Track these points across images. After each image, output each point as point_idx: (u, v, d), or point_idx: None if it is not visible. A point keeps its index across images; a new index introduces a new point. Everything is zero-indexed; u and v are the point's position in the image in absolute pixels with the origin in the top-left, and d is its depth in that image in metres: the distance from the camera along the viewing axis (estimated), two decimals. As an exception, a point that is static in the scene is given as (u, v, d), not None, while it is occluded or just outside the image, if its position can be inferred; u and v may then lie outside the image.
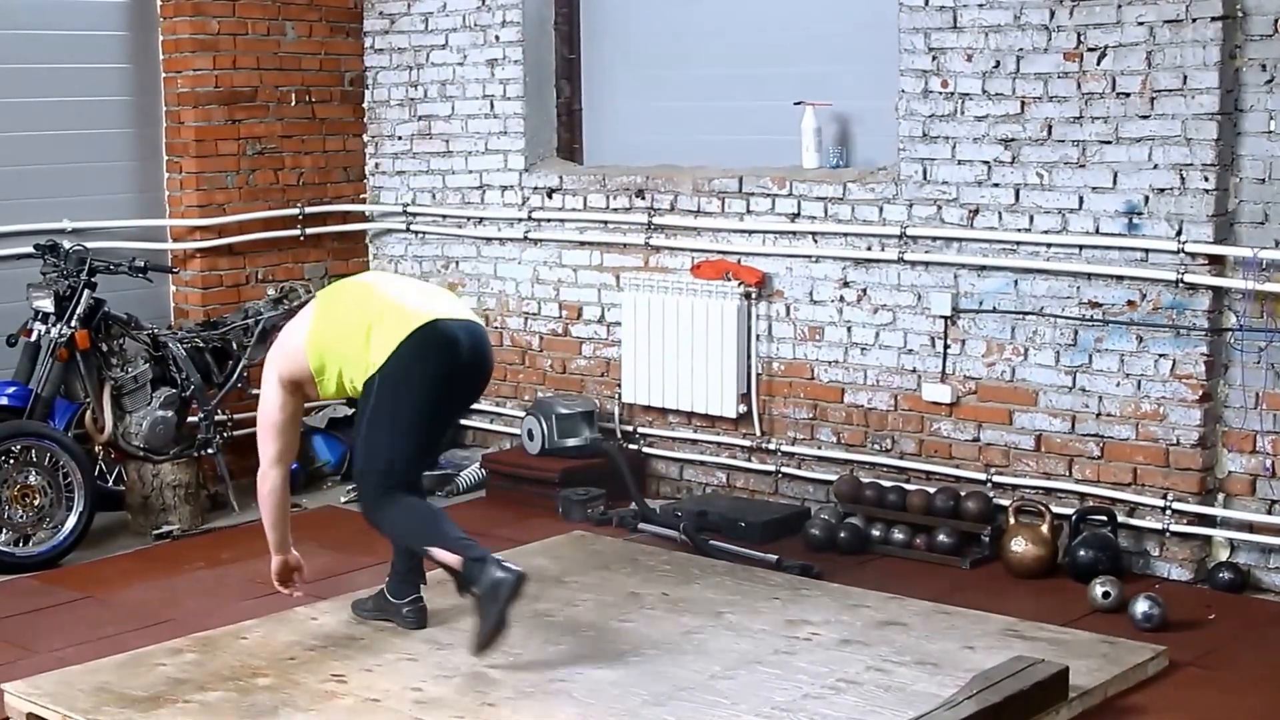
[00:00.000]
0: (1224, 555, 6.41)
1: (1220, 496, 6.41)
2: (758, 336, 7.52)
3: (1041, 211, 6.65)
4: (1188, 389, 6.35)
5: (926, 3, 6.84)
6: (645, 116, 8.24)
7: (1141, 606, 5.81)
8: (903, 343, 7.09)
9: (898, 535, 6.88)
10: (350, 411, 7.60)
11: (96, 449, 7.49)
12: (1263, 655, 5.57)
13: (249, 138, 8.45)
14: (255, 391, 7.10)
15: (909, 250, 7.00)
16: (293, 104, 8.64)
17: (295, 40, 8.61)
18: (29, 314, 7.26)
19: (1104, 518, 6.49)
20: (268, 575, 5.80)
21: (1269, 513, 6.28)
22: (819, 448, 7.40)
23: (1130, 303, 6.45)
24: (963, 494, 6.84)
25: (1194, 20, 6.14)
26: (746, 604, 5.92)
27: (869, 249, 7.15)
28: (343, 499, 7.75)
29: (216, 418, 7.71)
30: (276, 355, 5.62)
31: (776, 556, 6.61)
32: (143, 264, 7.54)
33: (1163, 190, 6.31)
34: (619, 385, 7.99)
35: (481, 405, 8.40)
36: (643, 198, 7.89)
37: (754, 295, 7.48)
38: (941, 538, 6.76)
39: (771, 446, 7.54)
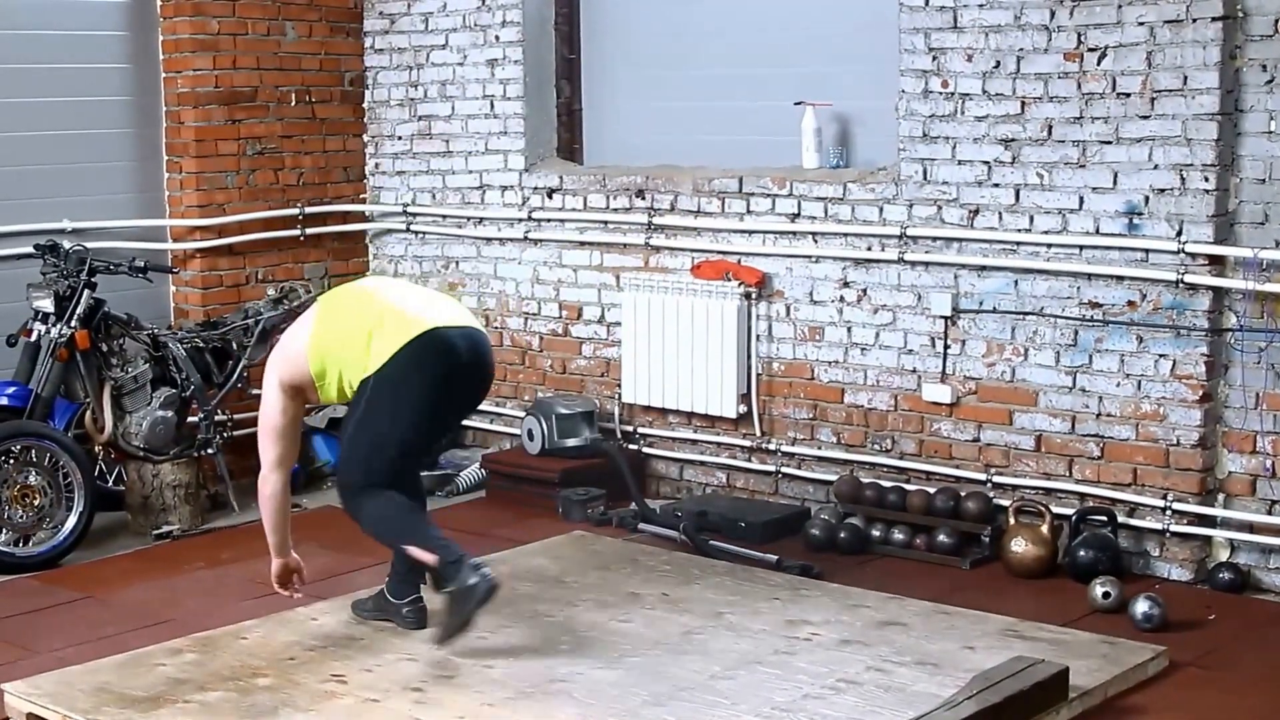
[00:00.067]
0: (1224, 555, 6.41)
1: (1220, 497, 6.41)
2: (758, 337, 7.52)
3: (1042, 212, 6.65)
4: (1188, 389, 6.35)
5: (927, 3, 6.84)
6: (645, 116, 8.24)
7: (1141, 607, 5.81)
8: (903, 343, 7.09)
9: (898, 535, 6.88)
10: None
11: (96, 449, 7.49)
12: (1263, 655, 5.57)
13: (249, 138, 8.45)
14: (255, 392, 7.11)
15: (909, 250, 7.00)
16: (293, 104, 8.64)
17: (295, 40, 8.61)
18: (29, 314, 7.26)
19: (1104, 518, 6.49)
20: (268, 575, 5.80)
21: (1269, 513, 6.28)
22: (819, 448, 7.39)
23: (1130, 303, 6.45)
24: (963, 494, 6.84)
25: (1194, 20, 6.14)
26: (746, 604, 5.92)
27: (869, 249, 7.15)
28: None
29: (216, 418, 7.71)
30: (277, 359, 5.63)
31: (776, 557, 6.61)
32: (143, 264, 7.54)
33: (1163, 190, 6.31)
34: (619, 385, 7.99)
35: (481, 405, 8.37)
36: (643, 198, 7.89)
37: (754, 295, 7.48)
38: (941, 538, 6.76)
39: (771, 447, 7.54)
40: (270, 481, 5.58)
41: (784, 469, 7.51)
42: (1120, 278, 6.46)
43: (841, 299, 7.25)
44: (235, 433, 8.05)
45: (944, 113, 6.85)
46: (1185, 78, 6.20)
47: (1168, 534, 6.45)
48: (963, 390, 6.93)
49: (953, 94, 6.83)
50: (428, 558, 5.31)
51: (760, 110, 7.68)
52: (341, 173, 8.91)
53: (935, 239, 6.95)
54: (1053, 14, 6.50)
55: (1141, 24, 6.28)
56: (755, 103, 7.71)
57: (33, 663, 5.57)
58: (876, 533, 6.93)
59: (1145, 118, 6.31)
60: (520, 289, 8.43)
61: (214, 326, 7.85)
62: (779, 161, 7.52)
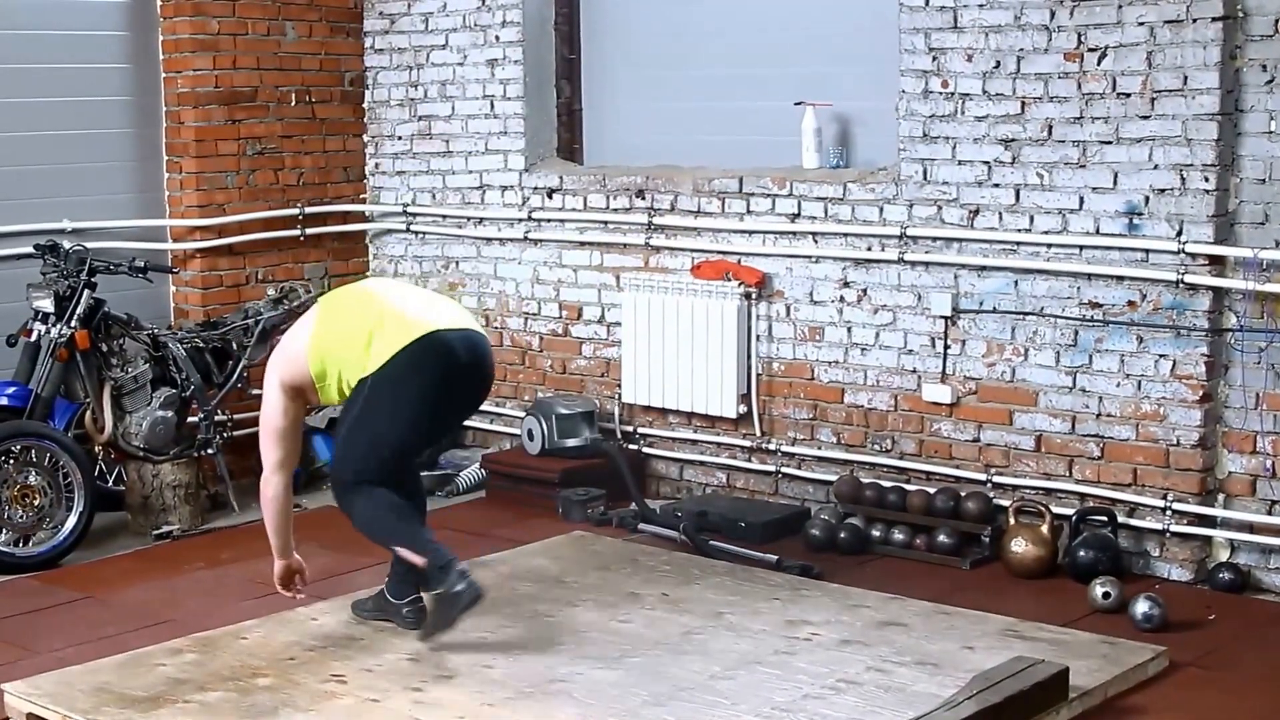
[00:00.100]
0: (1224, 556, 6.41)
1: (1220, 497, 6.41)
2: (758, 337, 7.52)
3: (1042, 212, 6.64)
4: (1188, 389, 6.35)
5: (927, 3, 6.84)
6: (645, 117, 8.24)
7: (1141, 607, 5.81)
8: (903, 343, 7.09)
9: (898, 535, 6.88)
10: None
11: (96, 449, 7.49)
12: (1263, 656, 5.57)
13: (249, 138, 8.45)
14: (255, 392, 7.11)
15: (909, 250, 7.00)
16: (293, 104, 8.64)
17: (295, 40, 8.61)
18: (29, 314, 7.26)
19: (1104, 518, 6.49)
20: (268, 575, 5.80)
21: (1269, 513, 6.27)
22: (819, 448, 7.39)
23: (1130, 303, 6.45)
24: (963, 494, 6.84)
25: (1194, 21, 6.14)
26: (746, 604, 5.92)
27: (869, 249, 7.15)
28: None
29: (216, 418, 7.71)
30: (278, 360, 5.63)
31: (776, 557, 6.61)
32: (143, 264, 7.54)
33: (1163, 191, 6.31)
34: (619, 385, 7.99)
35: (481, 407, 8.39)
36: (643, 198, 7.89)
37: (754, 295, 7.48)
38: (942, 538, 6.76)
39: (771, 447, 7.54)
40: (272, 484, 5.59)
41: (784, 469, 7.51)
42: (1120, 278, 6.46)
43: (841, 299, 7.25)
44: (235, 433, 8.05)
45: (944, 113, 6.85)
46: (1185, 78, 6.20)
47: (1168, 534, 6.44)
48: (963, 390, 6.93)
49: (953, 94, 6.83)
50: (417, 560, 5.37)
51: (760, 110, 7.68)
52: (341, 173, 8.91)
53: (935, 239, 6.95)
54: (1053, 14, 6.50)
55: (1142, 24, 6.28)
56: (755, 103, 7.70)
57: (33, 663, 5.57)
58: (876, 533, 6.93)
59: (1145, 118, 6.31)
60: (520, 289, 8.43)
61: (214, 326, 7.84)
62: (779, 161, 7.52)
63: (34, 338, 7.21)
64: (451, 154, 8.64)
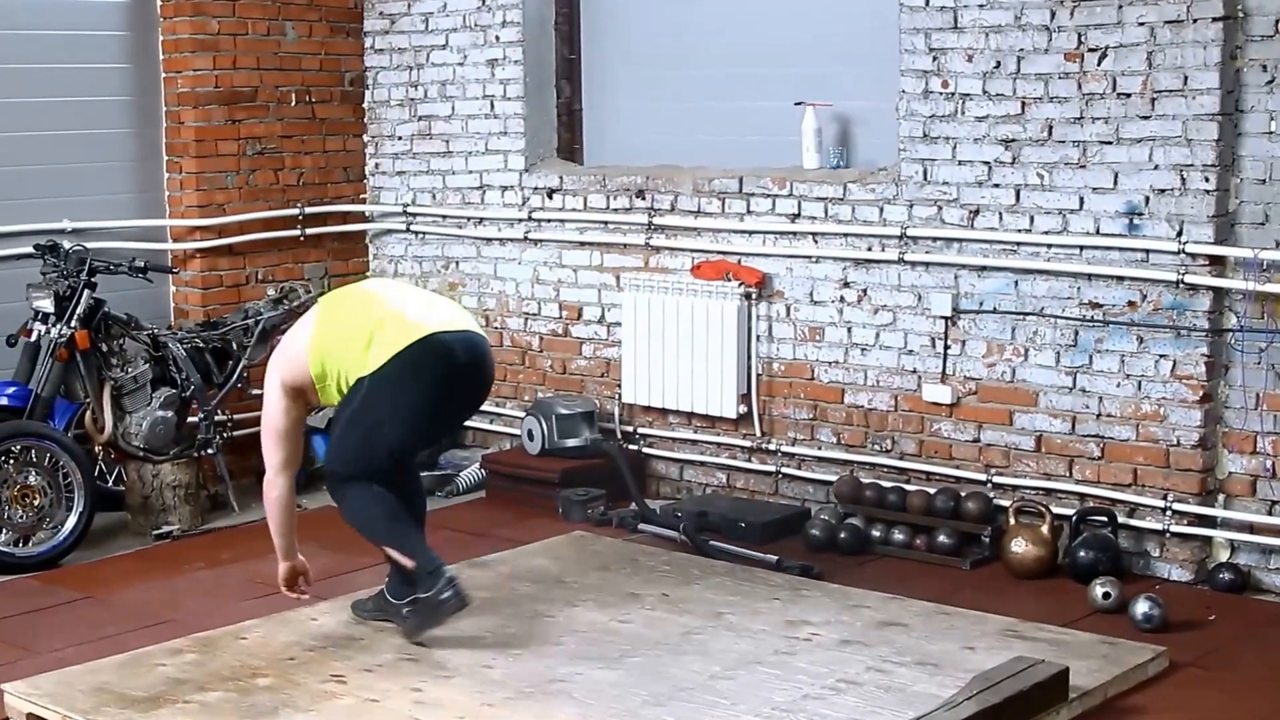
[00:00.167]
0: (1224, 556, 6.41)
1: (1220, 497, 6.40)
2: (758, 337, 7.51)
3: (1042, 212, 6.64)
4: (1188, 390, 6.35)
5: (927, 3, 6.84)
6: (645, 117, 8.24)
7: (1142, 607, 5.81)
8: (903, 343, 7.09)
9: (898, 536, 6.88)
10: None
11: (96, 449, 7.49)
12: (1263, 656, 5.57)
13: (249, 138, 8.45)
14: (255, 392, 7.12)
15: (909, 251, 7.00)
16: (293, 104, 8.63)
17: (295, 40, 8.61)
18: (29, 314, 7.26)
19: (1104, 518, 6.48)
20: (268, 575, 5.81)
21: (1269, 513, 6.27)
22: (819, 448, 7.39)
23: (1131, 303, 6.45)
24: (963, 494, 6.84)
25: (1195, 21, 6.14)
26: (746, 604, 5.92)
27: (869, 249, 7.15)
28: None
29: (216, 418, 7.71)
30: (279, 361, 5.63)
31: (776, 557, 6.61)
32: (143, 264, 7.54)
33: (1163, 191, 6.31)
34: (619, 386, 7.99)
35: (481, 407, 8.38)
36: (643, 198, 7.89)
37: (754, 296, 7.48)
38: (942, 538, 6.76)
39: (771, 447, 7.54)
40: (276, 485, 5.58)
41: (784, 469, 7.51)
42: (1120, 278, 6.46)
43: (842, 299, 7.25)
44: (235, 433, 8.05)
45: (944, 113, 6.85)
46: (1186, 78, 6.20)
47: (1168, 534, 6.44)
48: (963, 390, 6.93)
49: (953, 94, 6.83)
50: (405, 561, 5.42)
51: (760, 110, 7.68)
52: (341, 173, 8.90)
53: (935, 239, 6.95)
54: (1053, 14, 6.50)
55: (1142, 24, 6.28)
56: (755, 103, 7.70)
57: (33, 663, 5.57)
58: (877, 533, 6.93)
59: (1146, 118, 6.31)
60: (520, 289, 8.43)
61: (214, 327, 7.84)
62: (779, 162, 7.52)
63: (34, 338, 7.21)
64: (451, 154, 8.64)
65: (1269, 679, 5.33)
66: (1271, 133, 6.11)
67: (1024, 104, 6.63)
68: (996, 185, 6.75)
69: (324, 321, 5.55)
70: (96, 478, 7.39)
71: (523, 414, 8.10)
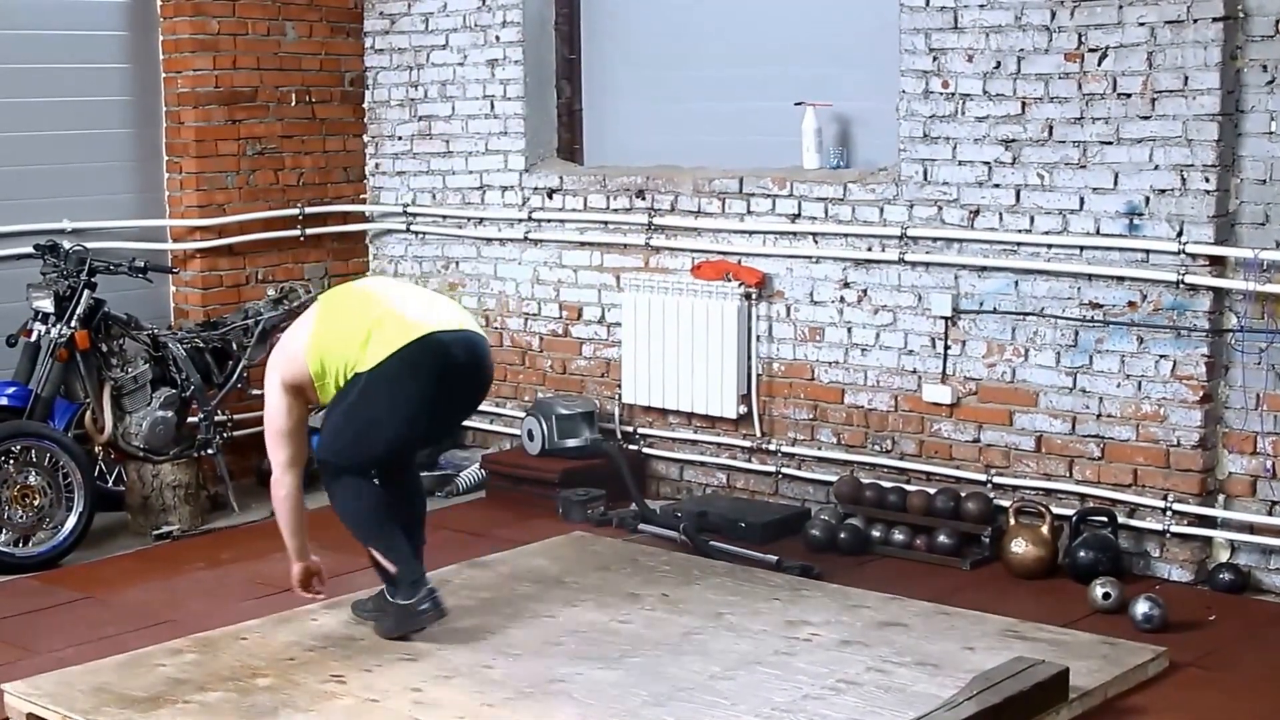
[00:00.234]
0: (1224, 556, 6.41)
1: (1221, 498, 6.40)
2: (758, 337, 7.51)
3: (1042, 212, 6.64)
4: (1188, 390, 6.35)
5: (927, 3, 6.84)
6: (646, 117, 8.24)
7: (1142, 607, 5.81)
8: (903, 343, 7.09)
9: (898, 536, 6.88)
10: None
11: (96, 449, 7.48)
12: (1263, 656, 5.57)
13: (249, 138, 8.45)
14: (255, 392, 7.13)
15: (909, 251, 7.00)
16: (293, 104, 8.64)
17: (295, 40, 8.61)
18: (29, 314, 7.26)
19: (1104, 519, 6.48)
20: (268, 576, 5.81)
21: (1269, 514, 6.27)
22: (819, 448, 7.39)
23: (1131, 304, 6.45)
24: (963, 495, 6.84)
25: (1195, 21, 6.14)
26: (746, 605, 5.91)
27: (869, 250, 7.15)
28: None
29: (216, 418, 7.71)
30: (278, 359, 5.62)
31: (776, 557, 6.61)
32: (143, 264, 7.54)
33: (1163, 191, 6.31)
34: (619, 386, 7.99)
35: (481, 406, 8.37)
36: (643, 198, 7.89)
37: (754, 296, 7.48)
38: (942, 539, 6.76)
39: (772, 447, 7.54)
40: (284, 484, 5.56)
41: (784, 469, 7.51)
42: (1121, 278, 6.46)
43: (842, 299, 7.25)
44: (235, 433, 8.06)
45: (944, 113, 6.85)
46: (1186, 78, 6.20)
47: (1168, 535, 6.44)
48: (963, 391, 6.93)
49: (953, 94, 6.82)
50: (388, 566, 5.48)
51: (761, 111, 7.67)
52: (341, 173, 8.90)
53: (936, 239, 6.95)
54: (1053, 14, 6.50)
55: (1142, 24, 6.28)
56: (756, 103, 7.70)
57: (33, 663, 5.57)
58: (877, 533, 6.93)
59: (1146, 118, 6.31)
60: (520, 289, 8.43)
61: (214, 327, 7.84)
62: (779, 162, 7.52)
63: (34, 338, 7.21)
64: (451, 154, 8.64)
65: (1269, 679, 5.33)
66: (1272, 133, 6.11)
67: (1024, 104, 6.63)
68: (997, 185, 6.75)
69: (323, 319, 5.55)
70: (96, 478, 7.39)
71: (523, 414, 8.10)
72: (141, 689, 5.11)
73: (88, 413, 7.35)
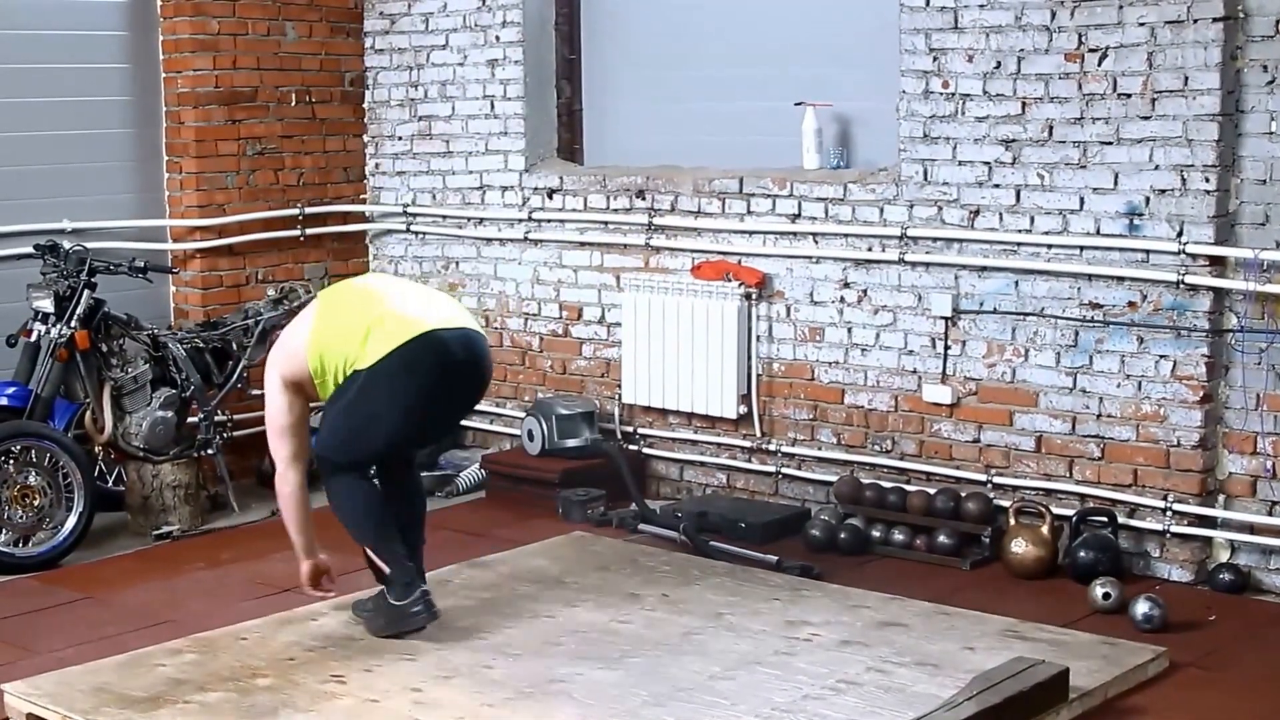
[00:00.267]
0: (1224, 556, 6.41)
1: (1221, 498, 6.40)
2: (758, 337, 7.51)
3: (1042, 212, 6.64)
4: (1188, 390, 6.35)
5: (928, 3, 6.84)
6: (646, 117, 8.24)
7: (1142, 608, 5.81)
8: (903, 344, 7.09)
9: (898, 536, 6.88)
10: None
11: (96, 449, 7.48)
12: (1263, 657, 5.57)
13: (249, 138, 8.45)
14: (255, 392, 7.12)
15: (909, 251, 7.00)
16: (293, 104, 8.63)
17: (295, 40, 8.61)
18: (29, 314, 7.26)
19: (1104, 519, 6.48)
20: (268, 576, 5.81)
21: (1269, 514, 6.27)
22: (819, 449, 7.39)
23: (1131, 304, 6.45)
24: (963, 495, 6.84)
25: (1195, 21, 6.14)
26: (746, 605, 5.91)
27: (869, 250, 7.15)
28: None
29: (216, 418, 7.71)
30: (278, 356, 5.63)
31: (776, 557, 6.61)
32: (143, 264, 7.54)
33: (1164, 191, 6.31)
34: (619, 386, 7.99)
35: (481, 406, 8.37)
36: (643, 198, 7.89)
37: (754, 296, 7.48)
38: (942, 539, 6.76)
39: (772, 447, 7.54)
40: (288, 480, 5.56)
41: (784, 469, 7.51)
42: (1121, 278, 6.46)
43: (842, 300, 7.25)
44: (235, 433, 8.05)
45: (945, 113, 6.85)
46: (1186, 78, 6.19)
47: (1168, 535, 6.44)
48: (963, 391, 6.93)
49: (953, 94, 6.82)
50: (382, 567, 5.49)
51: (761, 111, 7.67)
52: (341, 173, 8.90)
53: (936, 240, 6.95)
54: (1053, 14, 6.49)
55: (1142, 24, 6.28)
56: (756, 103, 7.70)
57: (33, 663, 5.57)
58: (877, 533, 6.92)
59: (1146, 118, 6.31)
60: (520, 289, 8.43)
61: (214, 327, 7.84)
62: (779, 162, 7.51)
63: (34, 338, 7.21)
64: (451, 154, 8.64)
65: (1269, 679, 5.33)
66: (1272, 133, 6.11)
67: (1024, 104, 6.63)
68: (997, 185, 6.75)
69: (322, 316, 5.55)
70: (96, 478, 7.39)
71: (523, 414, 8.10)
72: (141, 689, 5.10)
73: (88, 413, 7.35)
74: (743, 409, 7.55)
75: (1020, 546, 6.50)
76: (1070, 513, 6.53)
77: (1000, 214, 6.75)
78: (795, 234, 7.36)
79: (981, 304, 6.84)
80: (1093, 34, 6.40)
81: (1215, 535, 6.39)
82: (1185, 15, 6.16)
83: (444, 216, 8.68)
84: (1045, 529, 6.50)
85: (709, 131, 7.88)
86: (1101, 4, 6.36)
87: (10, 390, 7.20)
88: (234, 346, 7.82)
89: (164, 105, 8.32)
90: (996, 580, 6.48)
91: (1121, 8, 6.32)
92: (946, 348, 6.95)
